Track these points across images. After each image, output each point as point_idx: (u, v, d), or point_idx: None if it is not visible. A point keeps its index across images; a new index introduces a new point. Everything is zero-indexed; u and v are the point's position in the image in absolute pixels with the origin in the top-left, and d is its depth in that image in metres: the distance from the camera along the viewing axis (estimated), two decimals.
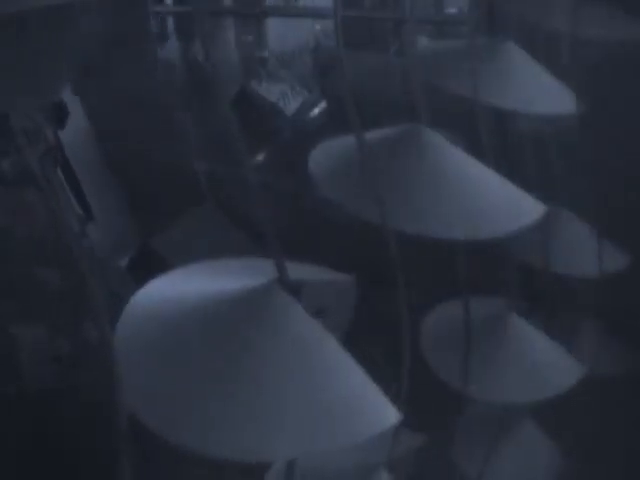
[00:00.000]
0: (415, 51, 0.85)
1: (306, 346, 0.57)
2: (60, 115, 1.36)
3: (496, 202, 0.77)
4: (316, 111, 1.69)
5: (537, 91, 0.89)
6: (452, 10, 1.68)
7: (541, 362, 0.92)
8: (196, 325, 0.59)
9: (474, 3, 0.96)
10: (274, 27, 1.79)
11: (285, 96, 1.68)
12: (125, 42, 1.33)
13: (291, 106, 1.68)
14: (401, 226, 0.69)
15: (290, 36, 1.77)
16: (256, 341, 0.57)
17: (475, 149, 0.80)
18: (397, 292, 0.66)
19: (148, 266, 1.41)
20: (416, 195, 0.73)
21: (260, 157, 1.61)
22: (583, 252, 1.01)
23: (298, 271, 0.62)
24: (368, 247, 0.71)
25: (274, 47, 1.77)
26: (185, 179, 1.55)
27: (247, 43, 1.79)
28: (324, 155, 0.78)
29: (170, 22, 1.71)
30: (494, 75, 0.86)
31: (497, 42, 0.89)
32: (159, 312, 0.62)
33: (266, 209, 0.59)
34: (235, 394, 0.54)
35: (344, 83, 0.66)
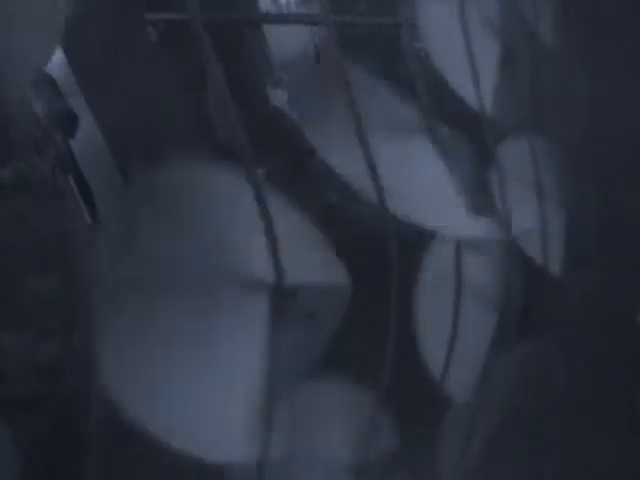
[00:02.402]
0: (415, 54, 0.85)
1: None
2: (70, 124, 1.38)
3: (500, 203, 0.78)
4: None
5: None
6: None
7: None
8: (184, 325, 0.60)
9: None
10: (272, 32, 1.79)
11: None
12: (125, 48, 1.35)
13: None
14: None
15: (289, 41, 1.77)
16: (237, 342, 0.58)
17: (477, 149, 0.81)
18: (392, 293, 0.67)
19: None
20: (418, 195, 0.74)
21: (267, 162, 1.62)
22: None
23: (296, 274, 0.63)
24: (367, 248, 0.72)
25: (274, 52, 1.77)
26: None
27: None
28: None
29: None
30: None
31: None
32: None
33: (272, 213, 0.60)
34: (207, 392, 0.56)
35: (346, 87, 0.67)
